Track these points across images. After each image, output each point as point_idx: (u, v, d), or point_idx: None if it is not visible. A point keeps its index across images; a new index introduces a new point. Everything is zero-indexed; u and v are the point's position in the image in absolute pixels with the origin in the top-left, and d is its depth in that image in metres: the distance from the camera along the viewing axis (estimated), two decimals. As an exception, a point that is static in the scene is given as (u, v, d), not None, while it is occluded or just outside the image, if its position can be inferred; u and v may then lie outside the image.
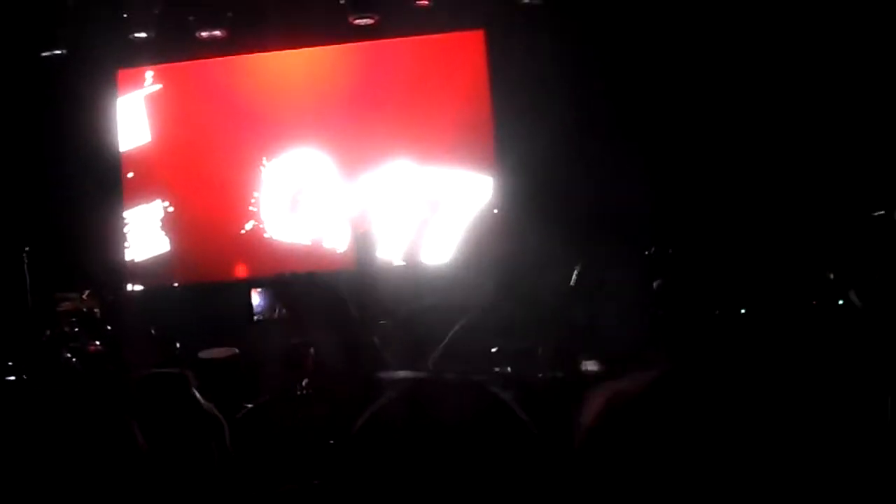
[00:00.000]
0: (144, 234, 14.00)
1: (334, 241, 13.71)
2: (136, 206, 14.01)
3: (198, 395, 3.92)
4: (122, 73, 14.20)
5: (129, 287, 13.65)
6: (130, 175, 14.14)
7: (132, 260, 13.91)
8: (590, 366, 8.75)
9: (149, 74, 14.22)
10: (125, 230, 13.95)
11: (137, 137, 14.19)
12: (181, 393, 3.86)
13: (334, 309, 3.56)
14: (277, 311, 11.80)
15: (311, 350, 6.65)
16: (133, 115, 14.20)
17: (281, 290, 3.65)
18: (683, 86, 12.49)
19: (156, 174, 14.07)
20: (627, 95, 12.35)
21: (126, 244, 13.93)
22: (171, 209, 13.99)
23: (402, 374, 2.79)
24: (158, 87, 14.24)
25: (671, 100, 12.53)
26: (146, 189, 14.07)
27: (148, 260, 13.92)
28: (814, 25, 11.94)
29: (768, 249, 11.10)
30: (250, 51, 13.96)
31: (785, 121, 12.12)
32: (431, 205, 13.55)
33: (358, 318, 3.53)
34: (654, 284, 10.04)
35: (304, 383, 6.87)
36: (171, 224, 14.01)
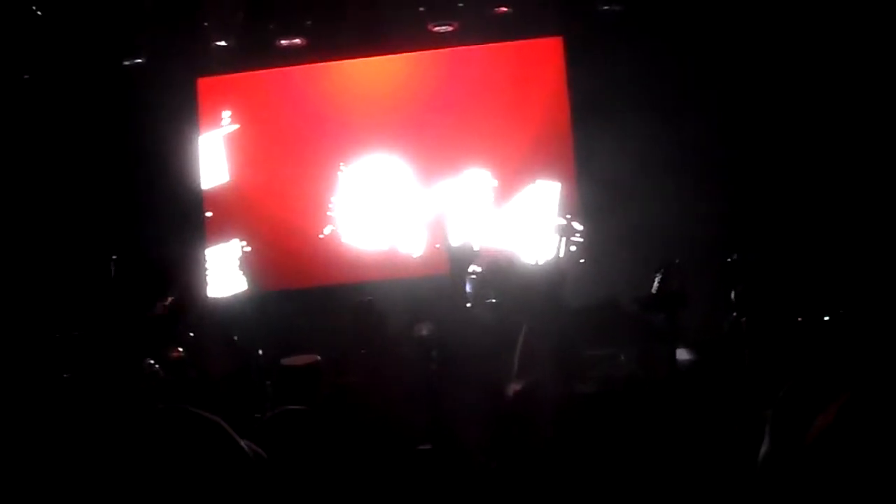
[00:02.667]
0: (226, 270, 14.13)
1: (410, 248, 13.72)
2: (219, 237, 14.14)
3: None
4: (202, 83, 14.33)
5: (211, 293, 13.73)
6: (212, 207, 14.28)
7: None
8: (681, 354, 8.72)
9: (226, 114, 14.34)
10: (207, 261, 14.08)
11: (218, 174, 14.32)
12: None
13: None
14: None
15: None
16: (212, 154, 14.33)
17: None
18: (764, 92, 12.38)
19: (235, 205, 14.18)
20: (707, 103, 12.24)
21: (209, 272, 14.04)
22: (248, 246, 14.11)
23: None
24: (236, 126, 14.36)
25: (752, 107, 12.42)
26: (227, 221, 14.20)
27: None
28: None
29: (851, 255, 10.98)
30: (329, 58, 14.02)
31: (872, 126, 11.97)
32: (508, 213, 13.52)
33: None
34: (735, 291, 9.97)
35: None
36: (253, 250, 14.11)
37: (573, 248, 11.69)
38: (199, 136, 14.24)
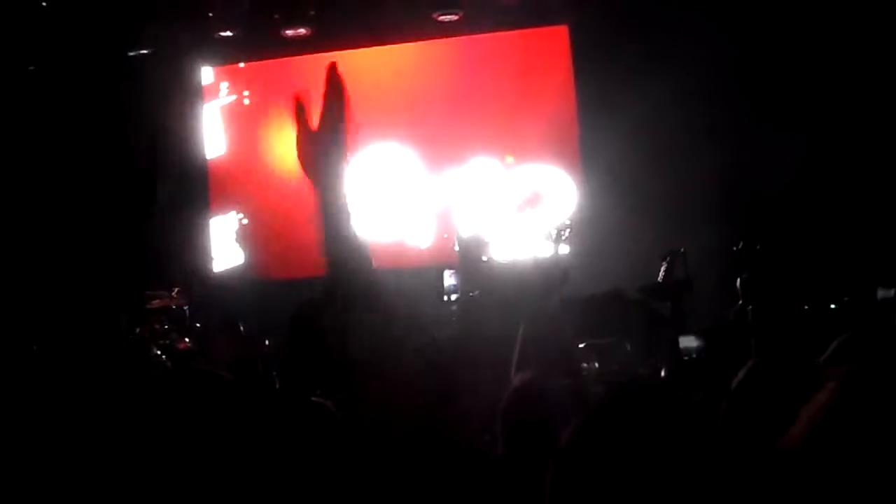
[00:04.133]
0: (224, 242, 14.20)
1: (418, 239, 13.71)
2: (221, 205, 14.16)
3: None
4: (207, 74, 14.34)
5: (217, 284, 13.76)
6: (212, 179, 14.34)
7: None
8: (688, 342, 8.73)
9: (223, 85, 14.40)
10: (211, 231, 14.12)
11: (217, 146, 14.40)
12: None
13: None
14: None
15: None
16: (211, 125, 14.39)
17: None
18: (769, 79, 12.35)
19: (235, 178, 14.25)
20: (714, 90, 12.22)
21: (212, 244, 14.09)
22: (244, 220, 14.16)
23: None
24: (234, 97, 14.38)
25: (756, 94, 12.40)
26: (227, 193, 14.25)
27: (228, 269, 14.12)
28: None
29: (858, 245, 10.98)
30: (334, 48, 13.99)
31: (878, 113, 11.95)
32: (515, 201, 13.50)
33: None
34: (740, 279, 9.98)
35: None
36: (253, 223, 14.14)
37: (569, 245, 11.64)
38: (203, 117, 14.33)
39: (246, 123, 14.38)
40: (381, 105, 13.81)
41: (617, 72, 12.67)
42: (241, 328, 9.86)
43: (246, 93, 14.43)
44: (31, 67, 13.42)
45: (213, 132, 14.39)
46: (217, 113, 14.42)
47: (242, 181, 14.21)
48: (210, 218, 14.21)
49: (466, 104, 13.81)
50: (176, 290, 11.39)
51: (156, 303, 11.26)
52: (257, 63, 14.41)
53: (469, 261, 5.31)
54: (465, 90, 13.84)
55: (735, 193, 12.04)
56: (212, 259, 14.05)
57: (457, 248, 5.69)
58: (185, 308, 11.42)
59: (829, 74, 12.12)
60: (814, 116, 12.14)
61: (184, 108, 13.96)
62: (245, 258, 14.14)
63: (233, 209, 14.21)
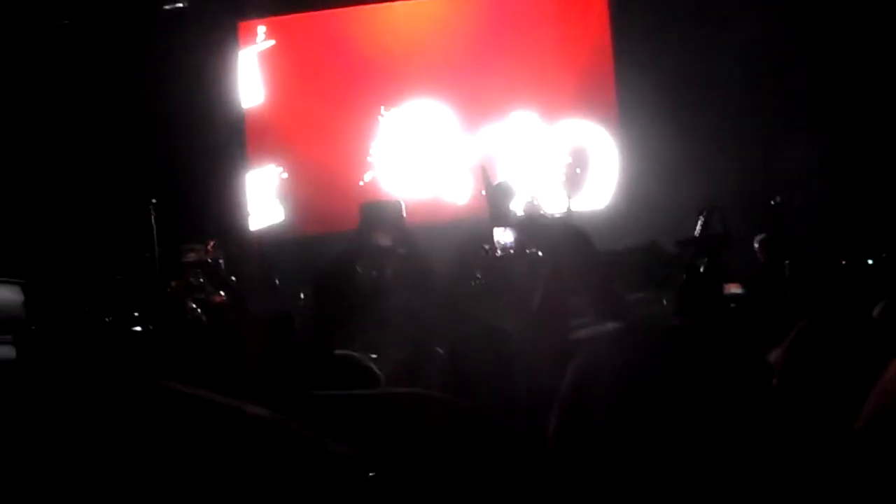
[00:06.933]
0: (263, 198, 14.15)
1: (454, 194, 13.64)
2: (257, 162, 14.14)
3: None
4: (242, 26, 14.28)
5: (253, 238, 13.74)
6: (249, 131, 14.27)
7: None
8: (733, 289, 8.69)
9: (261, 29, 14.31)
10: (247, 188, 14.09)
11: (254, 95, 14.30)
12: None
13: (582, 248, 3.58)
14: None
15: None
16: (248, 72, 14.30)
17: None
18: (811, 35, 12.22)
19: (273, 130, 14.15)
20: (752, 43, 12.08)
21: (249, 199, 14.07)
22: (285, 172, 14.10)
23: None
24: (272, 42, 14.31)
25: (795, 48, 12.26)
26: (264, 146, 14.18)
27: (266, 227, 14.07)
28: None
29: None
30: (369, 1, 13.94)
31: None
32: (552, 156, 13.42)
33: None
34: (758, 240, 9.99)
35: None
36: (290, 180, 14.10)
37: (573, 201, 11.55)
38: (239, 68, 14.28)
39: (283, 73, 14.30)
40: (416, 59, 13.78)
41: (654, 24, 12.57)
42: (277, 282, 9.84)
43: (280, 44, 14.37)
44: (66, 21, 13.42)
45: (249, 81, 14.31)
46: (254, 60, 14.33)
47: (280, 132, 14.11)
48: (247, 172, 14.15)
49: (502, 58, 13.70)
50: (211, 243, 11.37)
51: (191, 256, 11.24)
52: (294, 15, 14.34)
53: (496, 207, 5.29)
54: (501, 43, 13.74)
55: (774, 147, 11.93)
56: (248, 215, 14.02)
57: (484, 193, 5.67)
58: (220, 262, 11.39)
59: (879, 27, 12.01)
60: (858, 68, 12.02)
61: (219, 61, 13.91)
62: (284, 215, 14.10)
63: (271, 162, 14.14)
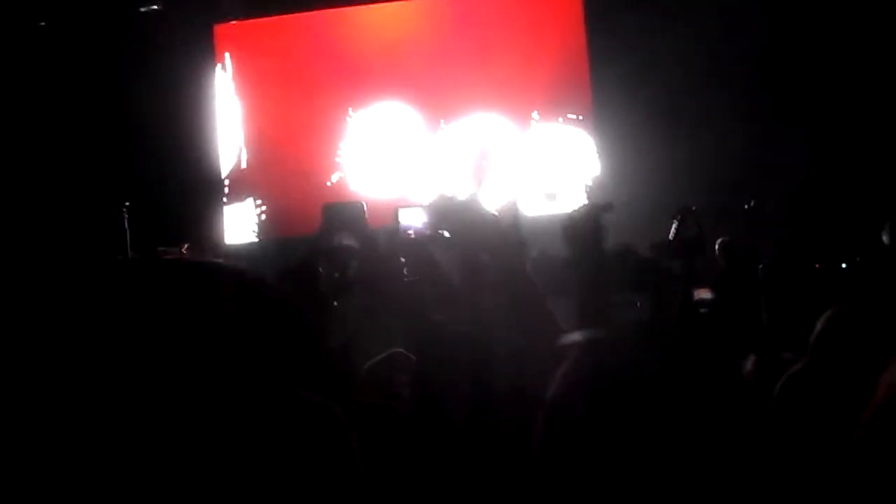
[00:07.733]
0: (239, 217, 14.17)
1: (419, 197, 13.64)
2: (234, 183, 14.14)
3: None
4: (217, 29, 14.30)
5: (226, 241, 13.72)
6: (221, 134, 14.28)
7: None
8: (703, 294, 8.69)
9: (227, 55, 14.37)
10: (224, 189, 14.10)
11: (226, 98, 14.32)
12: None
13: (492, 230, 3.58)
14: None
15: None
16: (220, 75, 14.35)
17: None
18: (789, 34, 12.25)
19: (245, 134, 14.20)
20: (729, 44, 12.11)
21: (224, 200, 14.07)
22: (260, 203, 14.15)
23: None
24: (242, 46, 14.40)
25: (769, 57, 12.29)
26: (237, 150, 14.21)
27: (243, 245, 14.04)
28: None
29: (870, 202, 10.92)
30: (339, 4, 13.96)
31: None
32: (521, 157, 13.42)
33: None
34: (718, 243, 10.00)
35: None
36: (260, 184, 14.12)
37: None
38: (215, 80, 14.24)
39: (259, 95, 14.37)
40: (385, 61, 13.82)
41: (629, 24, 12.57)
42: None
43: (251, 47, 14.42)
44: (42, 23, 13.38)
45: (222, 84, 14.36)
46: (227, 63, 14.39)
47: (250, 135, 14.20)
48: (223, 199, 14.20)
49: (472, 56, 13.73)
50: (186, 245, 11.34)
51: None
52: (265, 19, 14.36)
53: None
54: (471, 43, 13.78)
55: (749, 150, 11.96)
56: (223, 221, 14.05)
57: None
58: (195, 263, 11.36)
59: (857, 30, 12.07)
60: (834, 69, 12.07)
61: (194, 63, 13.89)
62: (261, 235, 14.15)
63: (247, 193, 14.20)
